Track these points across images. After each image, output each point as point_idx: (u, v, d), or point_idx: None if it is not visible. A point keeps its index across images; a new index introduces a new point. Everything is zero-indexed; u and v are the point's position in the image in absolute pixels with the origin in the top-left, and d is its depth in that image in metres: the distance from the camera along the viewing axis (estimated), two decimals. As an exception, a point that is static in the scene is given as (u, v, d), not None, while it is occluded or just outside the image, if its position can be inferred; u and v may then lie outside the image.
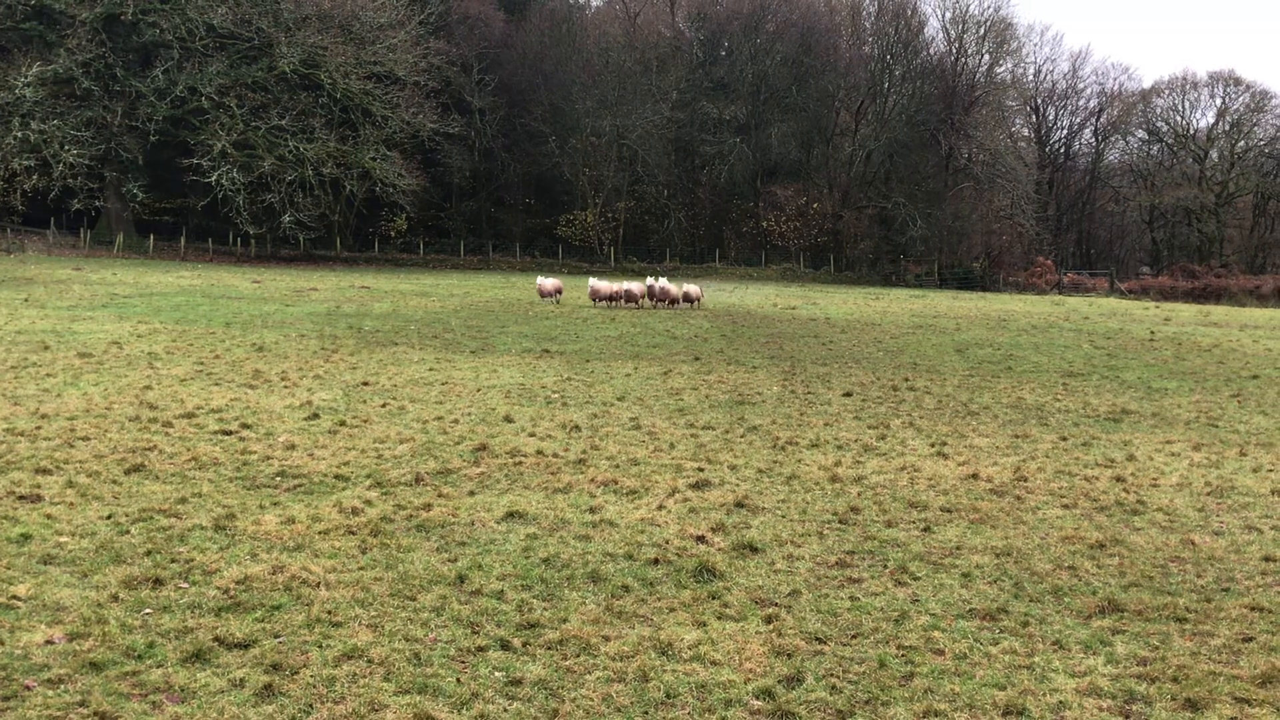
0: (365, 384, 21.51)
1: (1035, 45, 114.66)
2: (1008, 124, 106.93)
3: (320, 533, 10.89)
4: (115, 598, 8.95)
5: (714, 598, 9.44)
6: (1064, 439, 18.07)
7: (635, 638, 8.48)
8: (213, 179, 67.47)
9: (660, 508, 12.37)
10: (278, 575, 9.55)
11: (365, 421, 17.22)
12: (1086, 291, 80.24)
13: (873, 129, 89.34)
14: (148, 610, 8.72)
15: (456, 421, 17.57)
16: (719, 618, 9.00)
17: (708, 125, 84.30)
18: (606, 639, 8.45)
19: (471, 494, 12.86)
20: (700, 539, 11.10)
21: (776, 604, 9.37)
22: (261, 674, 7.61)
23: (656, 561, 10.31)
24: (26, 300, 36.01)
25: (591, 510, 12.13)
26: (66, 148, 64.64)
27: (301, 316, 35.49)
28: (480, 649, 8.21)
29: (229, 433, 15.81)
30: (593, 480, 13.60)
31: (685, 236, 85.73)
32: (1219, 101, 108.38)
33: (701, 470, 14.46)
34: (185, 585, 9.32)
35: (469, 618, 8.79)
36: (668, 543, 10.95)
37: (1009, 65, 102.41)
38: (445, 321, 35.67)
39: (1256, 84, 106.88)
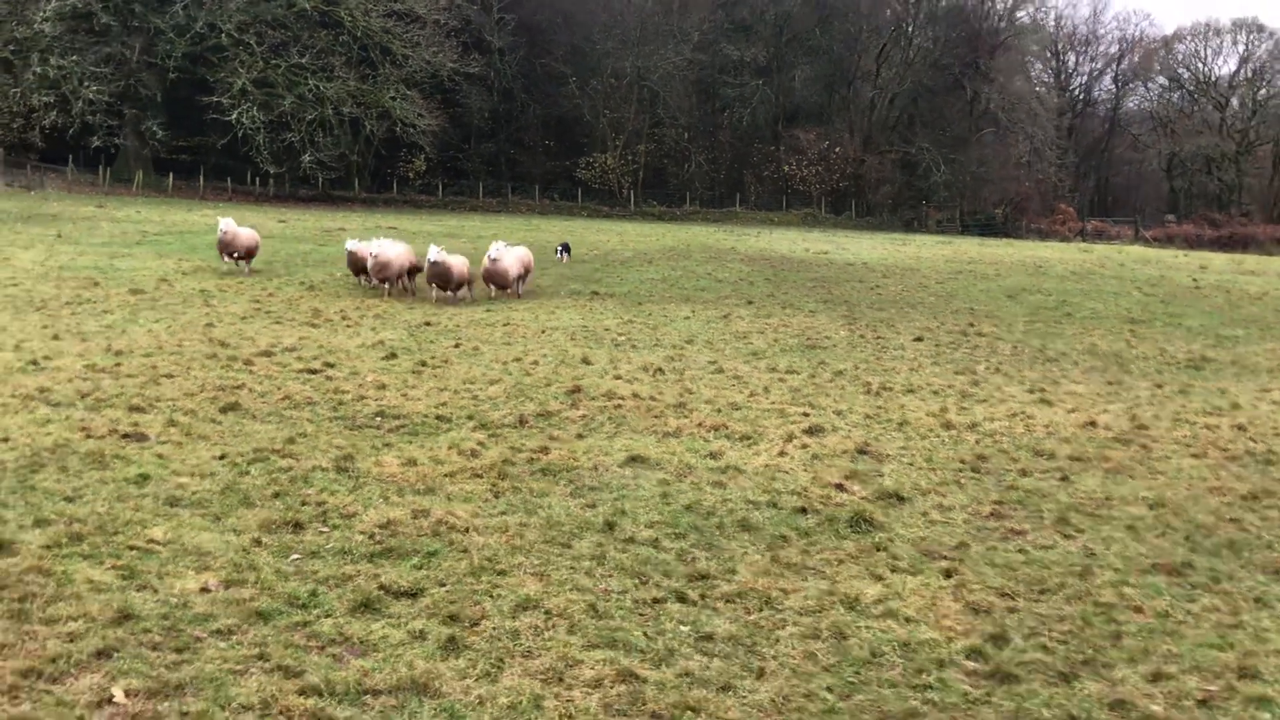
0: (427, 324, 21.05)
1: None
2: (1027, 70, 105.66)
3: (446, 475, 10.43)
4: (258, 542, 8.50)
5: (880, 549, 8.99)
6: (1159, 386, 17.58)
7: (815, 591, 8.04)
8: (233, 117, 66.36)
9: (782, 454, 11.91)
10: (421, 519, 9.10)
11: (445, 362, 16.74)
12: (1110, 239, 79.39)
13: (897, 72, 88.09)
14: (296, 555, 8.27)
15: (536, 363, 17.08)
16: (893, 570, 8.56)
17: (728, 67, 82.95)
18: (785, 592, 8.01)
19: (580, 437, 12.39)
20: (839, 487, 10.65)
21: (947, 557, 8.92)
22: (439, 625, 7.17)
23: (804, 510, 9.86)
24: (59, 237, 35.35)
25: (712, 456, 11.66)
26: (86, 84, 63.54)
27: (340, 256, 34.88)
28: (657, 600, 7.76)
29: (313, 371, 15.33)
30: (700, 425, 13.13)
31: (705, 180, 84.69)
32: (1241, 49, 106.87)
33: (807, 415, 13.99)
34: (326, 529, 8.88)
35: (633, 567, 8.34)
36: (806, 490, 10.49)
37: (1030, 9, 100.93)
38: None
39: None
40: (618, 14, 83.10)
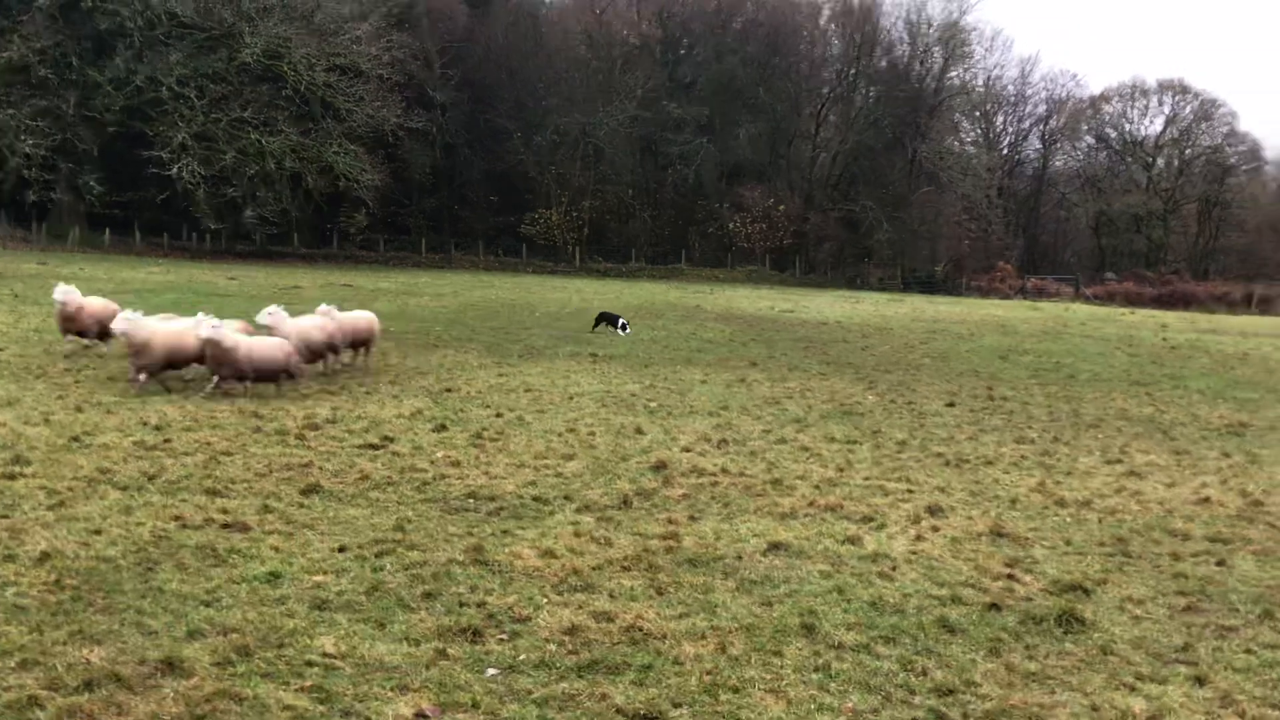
0: (448, 390, 20.15)
1: (985, 51, 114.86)
2: (958, 130, 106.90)
3: (594, 569, 9.60)
4: (443, 653, 7.61)
5: (1107, 653, 8.29)
6: (1226, 455, 17.16)
7: (1078, 706, 7.32)
8: (172, 172, 64.85)
9: (919, 538, 11.22)
10: (606, 624, 8.26)
11: (500, 434, 15.87)
12: (1050, 296, 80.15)
13: (839, 131, 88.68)
14: (493, 670, 7.39)
15: (593, 434, 16.28)
16: (1138, 678, 7.84)
17: (671, 125, 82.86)
18: (1044, 708, 7.26)
19: (693, 519, 11.61)
20: (1011, 577, 9.96)
21: (1182, 661, 8.22)
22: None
23: (996, 607, 9.14)
24: (16, 296, 33.88)
25: (852, 541, 10.93)
26: (22, 137, 61.87)
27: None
28: (918, 721, 6.96)
29: (375, 447, 14.39)
30: (813, 505, 12.40)
31: (650, 237, 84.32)
32: (1167, 109, 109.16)
33: (911, 493, 13.34)
34: (504, 636, 8.01)
35: (864, 680, 7.57)
36: (979, 583, 9.80)
37: (960, 70, 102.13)
38: (463, 323, 34.18)
39: (1205, 92, 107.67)
40: (561, 70, 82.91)
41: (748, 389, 22.49)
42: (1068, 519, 12.40)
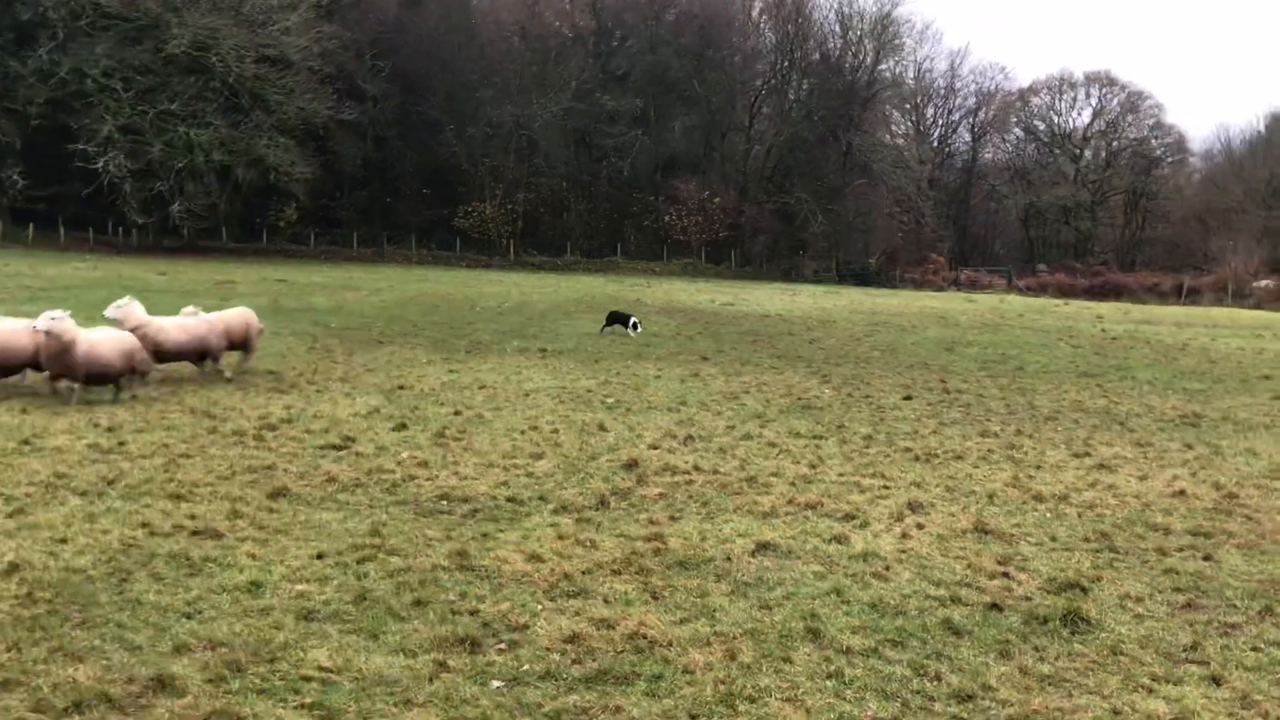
0: (401, 387, 19.76)
1: (915, 44, 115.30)
2: (889, 123, 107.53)
3: (583, 573, 9.31)
4: (443, 665, 7.30)
5: (1117, 653, 8.12)
6: (1189, 447, 17.15)
7: (1099, 710, 7.11)
8: (99, 165, 63.54)
9: (905, 536, 11.03)
10: (608, 631, 7.98)
11: (463, 433, 15.51)
12: (984, 288, 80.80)
13: (774, 123, 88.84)
14: (498, 683, 7.09)
15: (556, 431, 15.98)
16: (1154, 679, 7.67)
17: (605, 117, 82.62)
18: (1064, 712, 7.06)
19: (674, 519, 11.34)
20: (1005, 575, 9.80)
21: (1193, 661, 8.07)
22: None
23: (997, 607, 8.96)
24: (-58, 293, 32.93)
25: (838, 540, 10.71)
26: (-57, 132, 60.48)
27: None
28: (942, 729, 6.74)
29: (337, 447, 13.98)
30: (792, 503, 12.17)
31: (585, 230, 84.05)
32: (1094, 102, 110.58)
33: (887, 489, 13.15)
34: (504, 646, 7.70)
35: (879, 686, 7.34)
36: (974, 582, 9.62)
37: (891, 63, 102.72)
38: (404, 318, 33.72)
39: (1131, 84, 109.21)
40: (494, 62, 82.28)
41: (703, 384, 22.26)
42: (1047, 514, 12.27)
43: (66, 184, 67.83)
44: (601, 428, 16.50)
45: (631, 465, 13.69)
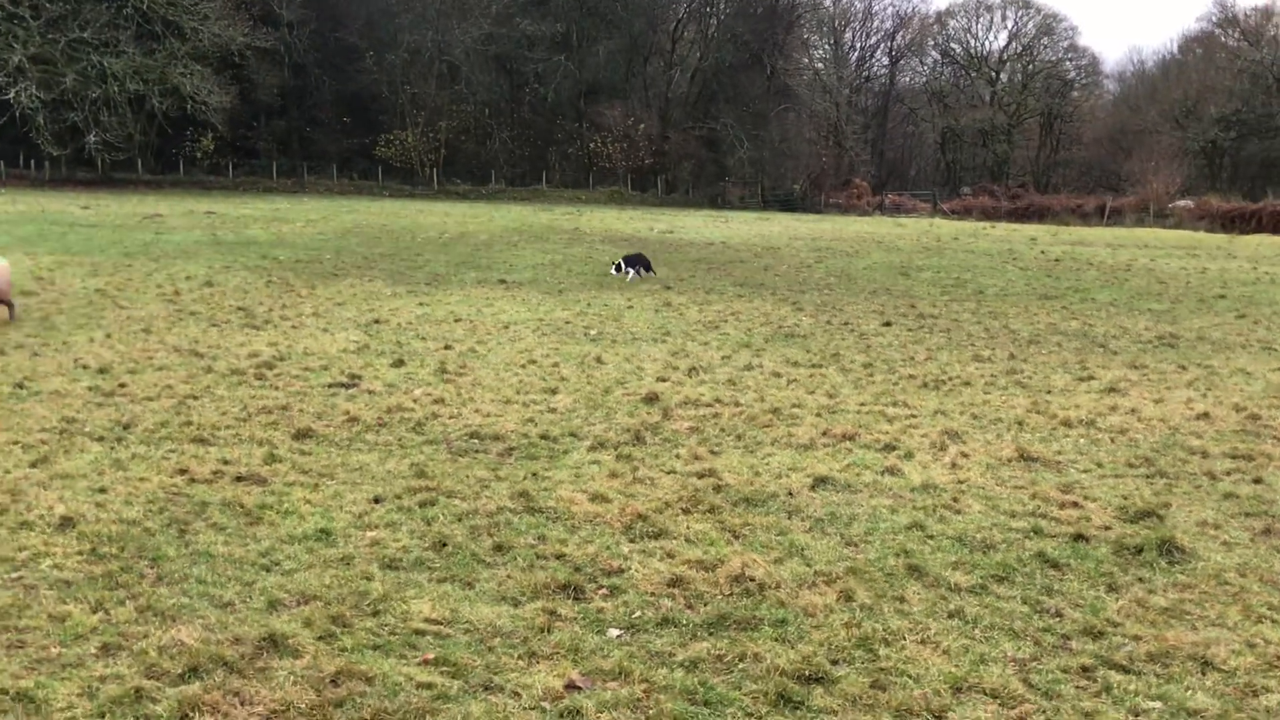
0: (377, 322, 19.28)
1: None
2: (808, 47, 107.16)
3: (656, 511, 8.98)
4: (553, 614, 6.93)
5: (1222, 583, 7.96)
6: (1183, 368, 17.17)
7: (1236, 644, 6.93)
8: (9, 96, 61.22)
9: (955, 466, 10.82)
10: (712, 572, 7.68)
11: (462, 368, 15.10)
12: (909, 212, 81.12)
13: (697, 47, 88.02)
14: (616, 631, 6.75)
15: (557, 365, 15.62)
16: (1271, 609, 7.52)
17: (527, 42, 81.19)
18: (1204, 645, 6.87)
19: (714, 454, 11.03)
20: (1076, 505, 9.62)
21: (1295, 590, 7.95)
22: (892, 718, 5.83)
23: (1083, 538, 8.78)
24: None
25: (891, 473, 10.48)
26: None
27: (195, 246, 32.25)
28: (1086, 669, 6.52)
29: (348, 386, 13.48)
30: (826, 434, 11.92)
31: (510, 158, 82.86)
32: (1011, 24, 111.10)
33: (915, 418, 12.96)
34: (606, 591, 7.35)
35: (1003, 624, 7.11)
36: (1048, 513, 9.40)
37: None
38: (350, 250, 33.02)
39: (1046, 6, 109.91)
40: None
41: (678, 313, 21.96)
42: (1081, 440, 12.14)
43: (-29, 116, 65.41)
44: (599, 360, 16.17)
45: (652, 399, 13.36)
